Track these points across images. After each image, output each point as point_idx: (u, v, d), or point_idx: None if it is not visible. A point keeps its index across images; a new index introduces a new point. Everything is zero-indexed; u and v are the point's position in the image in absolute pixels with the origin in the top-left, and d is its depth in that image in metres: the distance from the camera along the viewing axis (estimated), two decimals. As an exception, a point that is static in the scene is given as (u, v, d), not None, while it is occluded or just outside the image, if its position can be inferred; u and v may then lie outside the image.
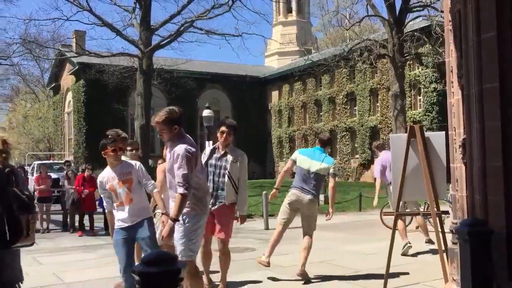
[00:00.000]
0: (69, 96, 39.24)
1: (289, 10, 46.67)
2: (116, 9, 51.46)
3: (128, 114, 33.30)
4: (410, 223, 10.53)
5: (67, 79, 39.27)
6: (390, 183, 8.06)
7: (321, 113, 36.60)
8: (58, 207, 14.14)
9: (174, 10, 25.46)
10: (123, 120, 34.03)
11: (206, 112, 20.93)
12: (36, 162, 24.36)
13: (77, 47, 29.59)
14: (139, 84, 23.81)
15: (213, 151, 5.38)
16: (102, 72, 28.65)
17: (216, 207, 5.17)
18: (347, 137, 33.96)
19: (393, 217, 5.78)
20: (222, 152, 5.31)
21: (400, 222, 7.29)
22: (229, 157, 5.27)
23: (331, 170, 6.25)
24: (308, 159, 6.25)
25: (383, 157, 8.44)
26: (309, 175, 6.18)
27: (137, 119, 23.94)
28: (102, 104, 32.99)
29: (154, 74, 25.81)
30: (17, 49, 27.88)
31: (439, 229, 5.20)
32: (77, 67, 34.71)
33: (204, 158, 5.30)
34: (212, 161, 5.29)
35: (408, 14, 20.92)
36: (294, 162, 6.36)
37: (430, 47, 23.03)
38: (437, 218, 5.26)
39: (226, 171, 5.19)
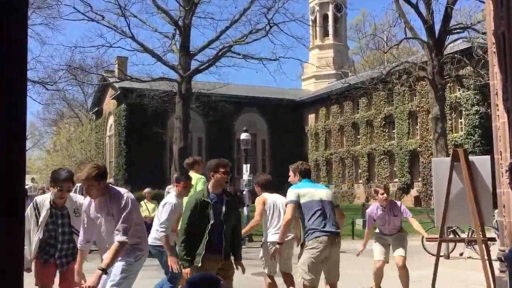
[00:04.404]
0: (111, 120, 40.40)
1: (325, 34, 46.84)
2: (157, 36, 52.94)
3: (167, 137, 33.93)
4: (453, 249, 10.20)
5: (109, 104, 40.51)
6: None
7: (358, 136, 36.22)
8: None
9: (213, 35, 25.99)
10: (162, 143, 34.69)
11: (243, 135, 21.02)
12: (79, 184, 25.00)
13: (119, 72, 30.57)
14: (178, 108, 24.30)
15: None
16: (142, 97, 29.42)
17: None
18: (385, 160, 33.38)
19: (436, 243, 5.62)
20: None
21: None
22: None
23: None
24: (314, 189, 4.96)
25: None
26: (326, 206, 4.82)
27: (175, 142, 24.36)
28: (142, 127, 33.77)
29: (192, 98, 26.30)
30: (63, 75, 29.08)
31: (486, 257, 5.02)
32: (118, 92, 35.78)
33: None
34: None
35: (448, 36, 20.63)
36: (297, 202, 4.79)
37: (471, 69, 22.57)
38: (483, 245, 5.09)
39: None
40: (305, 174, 5.05)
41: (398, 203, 6.42)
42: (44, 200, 4.53)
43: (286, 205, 4.81)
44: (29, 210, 4.45)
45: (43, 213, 4.44)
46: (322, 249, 4.55)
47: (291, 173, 5.18)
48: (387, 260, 6.44)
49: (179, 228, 4.36)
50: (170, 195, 5.60)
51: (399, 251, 6.24)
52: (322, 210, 4.68)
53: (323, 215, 4.67)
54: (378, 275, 6.47)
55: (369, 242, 6.65)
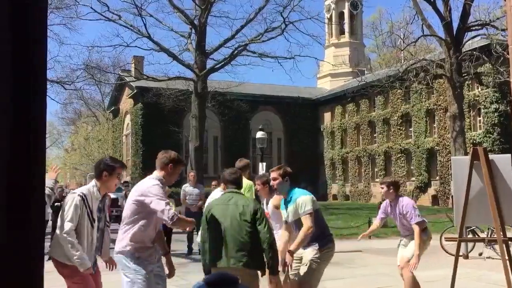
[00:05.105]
0: (128, 119, 40.77)
1: (341, 32, 46.58)
2: (173, 35, 53.31)
3: (183, 136, 34.14)
4: (472, 249, 10.06)
5: (126, 103, 40.87)
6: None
7: (375, 135, 35.98)
8: (117, 226, 14.57)
9: (228, 34, 26.07)
10: (178, 142, 34.89)
11: (259, 134, 21.06)
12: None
13: (135, 72, 30.85)
14: (194, 106, 24.41)
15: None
16: (158, 96, 29.62)
17: None
18: (402, 159, 33.11)
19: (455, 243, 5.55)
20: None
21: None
22: None
23: None
24: None
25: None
26: None
27: (191, 141, 24.47)
28: (158, 126, 34.02)
29: (208, 97, 26.41)
30: (80, 74, 29.40)
31: (506, 257, 4.94)
32: (135, 91, 36.10)
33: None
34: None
35: (466, 33, 20.34)
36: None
37: (490, 67, 22.22)
38: (504, 245, 5.00)
39: None
40: (293, 179, 4.85)
41: (405, 201, 5.68)
42: (92, 191, 3.98)
43: (309, 214, 4.48)
44: (77, 205, 3.84)
45: (95, 207, 3.97)
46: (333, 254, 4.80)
47: (277, 176, 4.78)
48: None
49: (268, 236, 4.16)
50: (217, 191, 5.73)
51: (404, 251, 5.78)
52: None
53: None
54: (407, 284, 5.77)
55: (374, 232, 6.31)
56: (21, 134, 0.90)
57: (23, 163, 0.91)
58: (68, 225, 3.79)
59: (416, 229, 5.40)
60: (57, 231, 3.90)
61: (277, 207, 5.85)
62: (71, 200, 3.88)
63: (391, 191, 5.73)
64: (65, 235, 3.77)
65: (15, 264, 0.89)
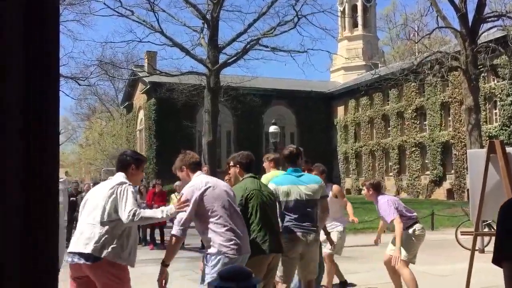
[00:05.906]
0: (141, 114, 41.01)
1: (355, 25, 46.21)
2: (186, 30, 53.39)
3: (196, 130, 34.23)
4: (488, 243, 9.95)
5: (139, 98, 41.09)
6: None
7: (388, 128, 35.70)
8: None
9: (241, 29, 26.01)
10: (191, 136, 35.03)
11: (272, 128, 21.04)
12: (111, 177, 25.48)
13: (149, 67, 30.95)
14: (207, 101, 24.44)
15: None
16: (171, 91, 29.71)
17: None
18: (416, 153, 32.82)
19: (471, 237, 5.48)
20: None
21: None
22: None
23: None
24: (293, 185, 4.55)
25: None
26: (305, 204, 4.53)
27: (204, 135, 24.53)
28: (172, 121, 34.16)
29: (221, 92, 26.41)
30: (94, 70, 29.57)
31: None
32: (148, 86, 36.26)
33: None
34: None
35: (481, 25, 20.03)
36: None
37: (506, 58, 21.89)
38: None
39: None
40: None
41: (380, 202, 5.52)
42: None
43: None
44: (134, 195, 3.57)
45: None
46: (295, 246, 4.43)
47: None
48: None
49: None
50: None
51: (390, 247, 5.76)
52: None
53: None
54: (388, 271, 5.96)
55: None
56: (34, 132, 0.90)
57: (36, 160, 0.91)
58: (130, 210, 3.40)
59: (396, 225, 5.36)
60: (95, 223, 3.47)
61: (335, 196, 5.91)
62: (126, 190, 3.50)
63: (371, 192, 5.67)
64: (136, 216, 3.42)
65: (32, 265, 0.89)
